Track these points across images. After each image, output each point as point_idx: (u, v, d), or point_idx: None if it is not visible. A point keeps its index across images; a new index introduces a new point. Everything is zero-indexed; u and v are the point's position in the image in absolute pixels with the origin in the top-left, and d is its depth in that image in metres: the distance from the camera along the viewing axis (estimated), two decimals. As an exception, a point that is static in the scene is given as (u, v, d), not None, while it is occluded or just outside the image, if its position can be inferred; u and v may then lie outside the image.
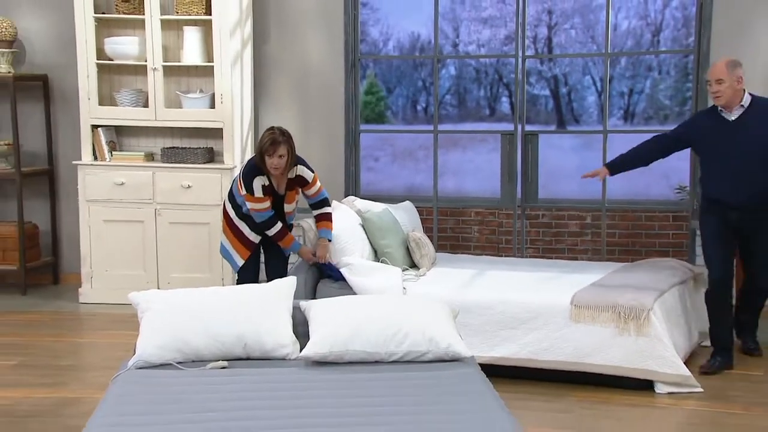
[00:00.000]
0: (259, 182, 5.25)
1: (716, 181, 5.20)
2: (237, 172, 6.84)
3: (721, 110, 5.12)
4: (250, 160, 5.38)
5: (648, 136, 5.65)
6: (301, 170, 5.37)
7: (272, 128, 5.27)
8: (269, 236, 5.42)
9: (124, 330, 6.01)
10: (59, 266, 7.71)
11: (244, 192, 5.29)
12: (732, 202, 5.14)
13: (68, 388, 5.07)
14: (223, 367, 3.71)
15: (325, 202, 5.52)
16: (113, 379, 3.67)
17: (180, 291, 4.10)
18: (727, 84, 5.00)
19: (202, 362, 3.75)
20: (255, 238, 5.47)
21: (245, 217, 5.43)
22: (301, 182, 5.40)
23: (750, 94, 5.12)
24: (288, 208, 5.47)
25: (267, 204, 5.30)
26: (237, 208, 5.45)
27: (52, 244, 7.65)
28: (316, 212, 5.52)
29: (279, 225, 5.37)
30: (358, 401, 3.30)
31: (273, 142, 5.16)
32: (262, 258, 5.65)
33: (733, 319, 5.43)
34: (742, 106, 5.07)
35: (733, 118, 5.09)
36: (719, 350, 5.30)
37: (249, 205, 5.32)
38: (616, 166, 5.64)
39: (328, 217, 5.51)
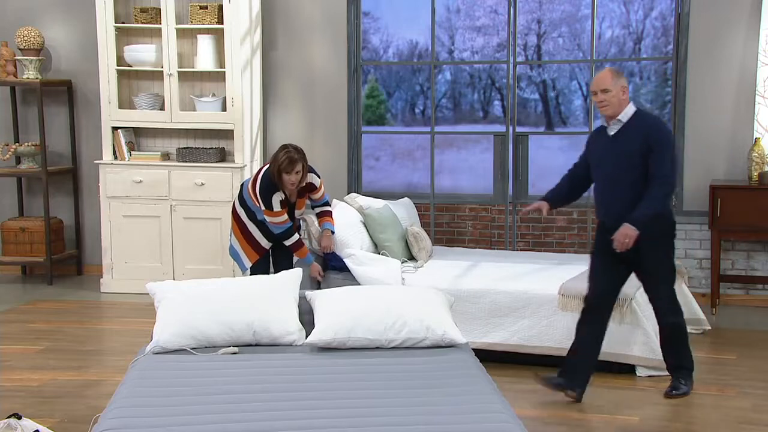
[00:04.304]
0: (277, 198, 5.12)
1: (597, 200, 4.57)
2: (247, 171, 6.87)
3: (605, 125, 4.45)
4: (263, 178, 5.14)
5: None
6: (310, 177, 5.25)
7: (286, 147, 5.06)
8: (286, 245, 5.29)
9: (142, 318, 6.01)
10: (82, 258, 7.70)
11: (263, 208, 5.15)
12: (606, 223, 4.46)
13: (91, 371, 5.07)
14: (234, 353, 3.71)
15: (327, 203, 5.49)
16: (132, 364, 3.68)
17: (194, 282, 4.10)
18: (613, 93, 4.33)
19: (214, 348, 3.75)
20: (266, 244, 5.37)
21: (260, 224, 5.31)
22: (310, 189, 5.31)
23: (637, 108, 4.44)
24: (297, 213, 5.42)
25: (285, 216, 5.19)
26: (251, 214, 5.31)
27: (75, 237, 7.65)
28: (317, 210, 5.49)
29: (296, 236, 5.27)
30: (360, 385, 3.30)
31: (291, 161, 5.00)
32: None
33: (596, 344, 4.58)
34: (620, 120, 4.38)
35: (611, 134, 4.42)
36: (560, 373, 4.59)
37: (268, 218, 5.17)
38: (554, 202, 4.77)
39: (329, 213, 5.48)
